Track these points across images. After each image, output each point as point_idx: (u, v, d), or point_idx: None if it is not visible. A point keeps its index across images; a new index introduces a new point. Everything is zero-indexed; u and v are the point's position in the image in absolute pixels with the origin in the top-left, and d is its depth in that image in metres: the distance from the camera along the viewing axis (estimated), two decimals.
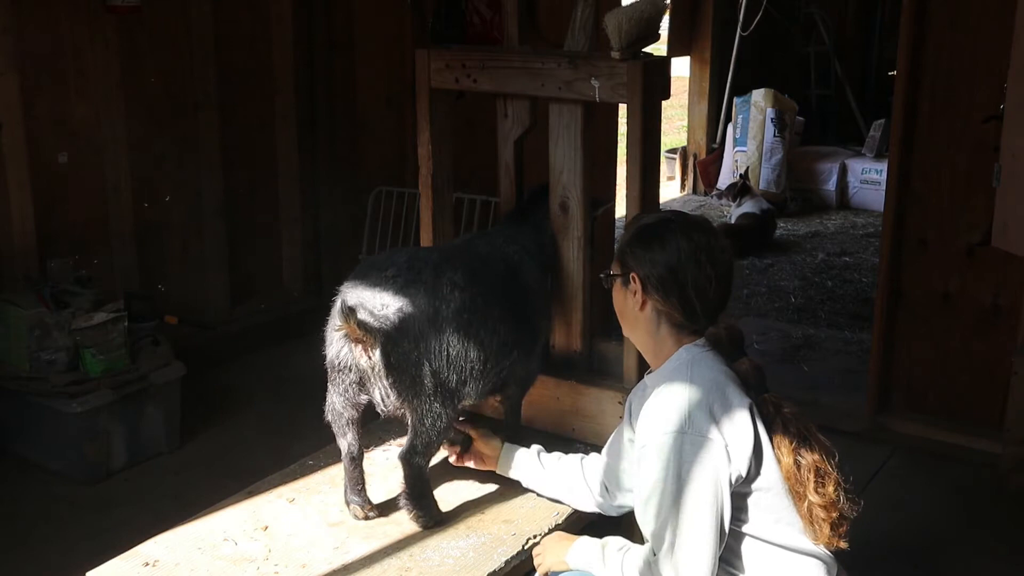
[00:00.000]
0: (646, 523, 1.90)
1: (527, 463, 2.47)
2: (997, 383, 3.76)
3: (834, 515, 1.93)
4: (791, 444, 1.93)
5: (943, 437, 3.92)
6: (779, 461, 1.93)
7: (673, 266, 1.99)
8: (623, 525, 2.36)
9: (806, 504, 1.92)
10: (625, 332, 2.18)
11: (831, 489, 1.93)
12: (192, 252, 4.79)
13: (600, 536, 2.12)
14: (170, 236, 4.69)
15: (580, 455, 2.45)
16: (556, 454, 2.47)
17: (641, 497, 1.91)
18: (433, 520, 2.40)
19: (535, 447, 2.50)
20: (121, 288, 4.35)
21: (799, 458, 1.92)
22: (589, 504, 2.38)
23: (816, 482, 1.92)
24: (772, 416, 1.96)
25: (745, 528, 1.94)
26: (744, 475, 1.88)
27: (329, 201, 5.26)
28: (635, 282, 2.03)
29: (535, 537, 2.32)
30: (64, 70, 4.16)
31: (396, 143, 5.41)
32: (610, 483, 2.32)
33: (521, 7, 2.86)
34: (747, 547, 1.95)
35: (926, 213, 3.87)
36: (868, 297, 5.52)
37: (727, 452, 1.85)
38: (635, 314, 2.06)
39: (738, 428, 1.88)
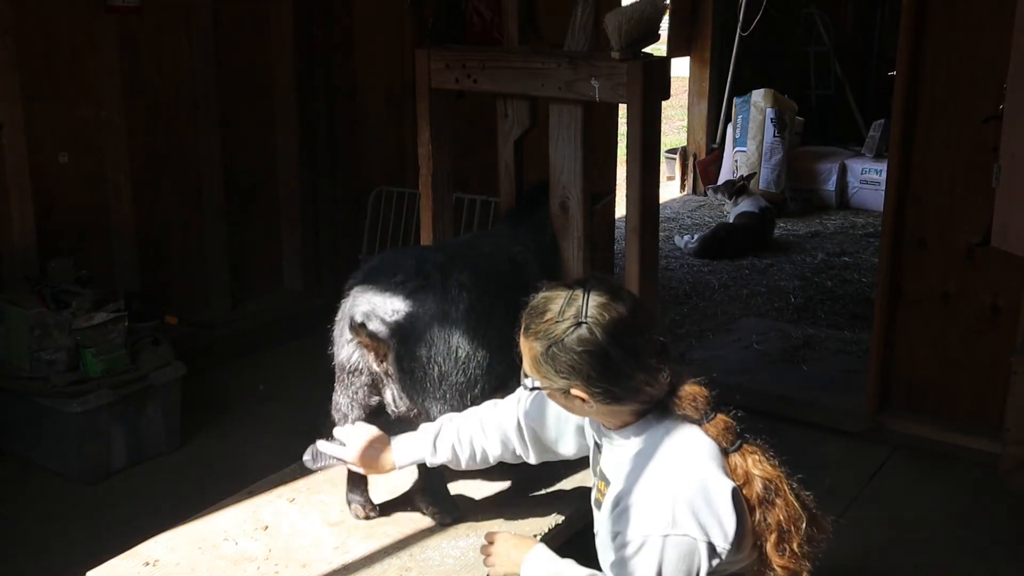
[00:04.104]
0: None
1: (422, 449, 2.26)
2: (997, 383, 3.75)
3: (793, 573, 1.88)
4: (757, 503, 1.87)
5: (943, 437, 3.91)
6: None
7: (608, 368, 1.83)
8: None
9: (763, 559, 1.88)
10: None
11: (793, 546, 1.87)
12: (192, 252, 4.79)
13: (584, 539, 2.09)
14: (170, 236, 4.70)
15: (467, 431, 2.27)
16: (451, 429, 2.28)
17: None
18: (451, 516, 2.41)
19: (426, 428, 2.31)
20: (121, 288, 4.35)
21: (765, 517, 1.86)
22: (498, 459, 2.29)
23: (777, 542, 1.87)
24: (742, 476, 1.87)
25: None
26: (724, 559, 1.82)
27: (329, 201, 5.26)
28: (581, 399, 1.88)
29: (535, 537, 2.31)
30: (64, 70, 4.16)
31: (396, 143, 5.41)
32: (533, 446, 2.25)
33: (521, 7, 2.86)
34: None
35: (926, 213, 3.87)
36: (868, 297, 5.52)
37: (709, 547, 1.79)
38: (588, 410, 1.93)
39: (723, 519, 1.80)
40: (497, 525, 2.39)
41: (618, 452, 1.95)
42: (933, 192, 3.85)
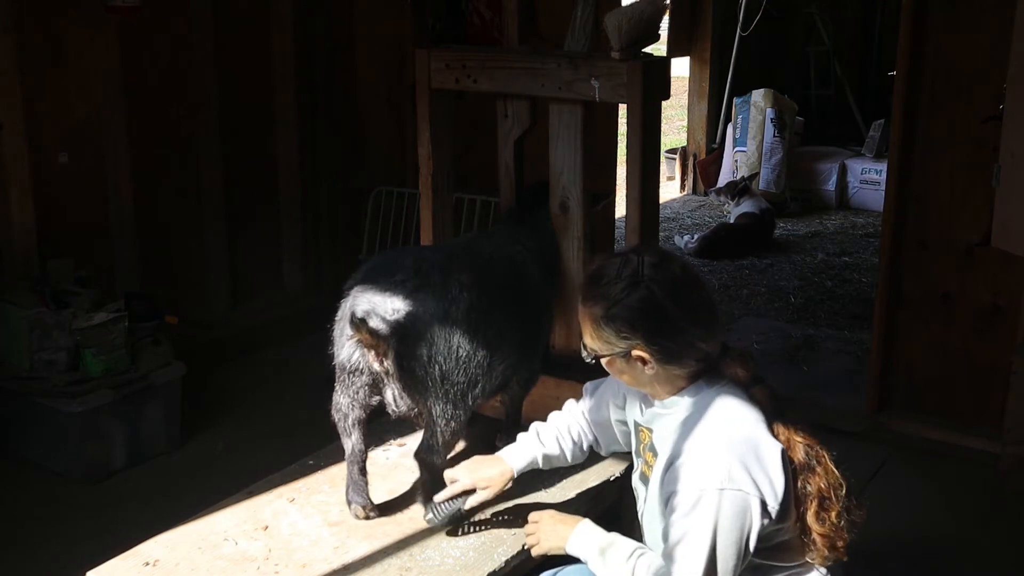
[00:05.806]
0: (669, 564, 1.87)
1: (531, 446, 2.35)
2: (997, 383, 3.76)
3: (832, 543, 1.93)
4: (799, 469, 1.92)
5: (943, 437, 3.92)
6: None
7: (666, 324, 1.91)
8: (624, 520, 2.34)
9: (803, 527, 1.93)
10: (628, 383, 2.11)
11: (832, 516, 1.92)
12: (192, 252, 4.79)
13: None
14: (170, 236, 4.69)
15: (562, 423, 2.37)
16: (547, 430, 2.37)
17: (670, 541, 1.87)
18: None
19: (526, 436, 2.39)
20: (121, 288, 4.35)
21: (806, 485, 1.92)
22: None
23: (817, 510, 1.92)
24: (785, 442, 1.93)
25: (761, 558, 1.93)
26: (774, 519, 1.86)
27: (329, 201, 5.26)
28: (641, 361, 1.94)
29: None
30: (64, 70, 4.16)
31: (396, 143, 5.41)
32: (601, 445, 2.37)
33: (521, 7, 2.86)
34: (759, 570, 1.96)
35: (926, 213, 3.88)
36: (868, 297, 5.52)
37: (763, 505, 1.83)
38: (645, 376, 1.99)
39: (773, 478, 1.86)
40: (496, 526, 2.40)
41: (669, 420, 2.00)
42: (933, 192, 3.85)
